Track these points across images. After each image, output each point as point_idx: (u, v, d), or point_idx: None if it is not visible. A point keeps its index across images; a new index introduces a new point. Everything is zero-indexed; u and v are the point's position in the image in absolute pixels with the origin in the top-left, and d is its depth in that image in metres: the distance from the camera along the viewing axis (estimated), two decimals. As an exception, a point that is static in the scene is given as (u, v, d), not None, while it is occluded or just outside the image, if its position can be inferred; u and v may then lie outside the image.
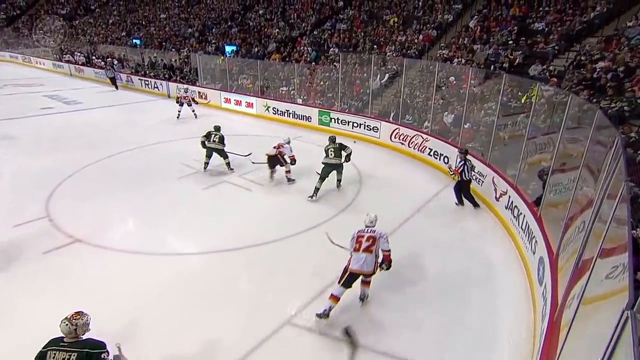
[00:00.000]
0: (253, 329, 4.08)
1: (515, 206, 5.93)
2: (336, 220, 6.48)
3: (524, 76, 9.60)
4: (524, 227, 5.51)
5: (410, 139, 9.82)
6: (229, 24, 21.52)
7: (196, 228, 6.19)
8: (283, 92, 14.52)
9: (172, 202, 6.98)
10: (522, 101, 8.47)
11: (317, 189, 7.15)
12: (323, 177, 7.20)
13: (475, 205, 6.95)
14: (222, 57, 17.49)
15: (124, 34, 26.62)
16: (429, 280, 5.05)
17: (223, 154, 8.29)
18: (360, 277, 4.28)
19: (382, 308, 4.49)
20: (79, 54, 24.31)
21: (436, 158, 9.02)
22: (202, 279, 4.95)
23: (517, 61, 10.61)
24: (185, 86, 15.74)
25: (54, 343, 2.68)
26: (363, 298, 4.52)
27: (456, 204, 7.08)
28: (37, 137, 10.58)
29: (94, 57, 22.91)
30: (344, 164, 7.44)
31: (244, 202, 7.17)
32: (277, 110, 13.42)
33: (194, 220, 6.40)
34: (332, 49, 15.54)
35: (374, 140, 10.93)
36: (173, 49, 21.24)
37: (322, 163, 7.29)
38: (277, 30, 18.86)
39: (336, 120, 11.81)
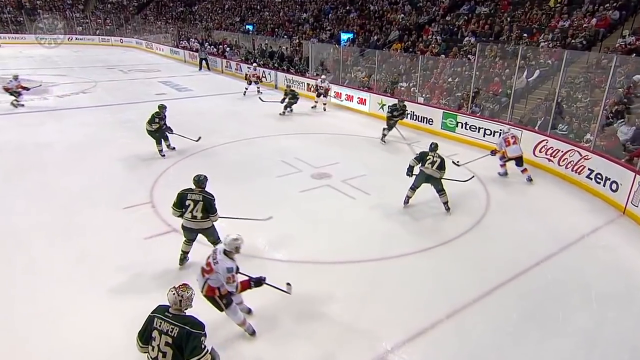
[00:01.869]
0: (340, 359, 4.15)
1: None
2: (449, 247, 6.21)
3: None
4: None
5: (563, 155, 8.87)
6: (347, 8, 22.30)
7: (288, 233, 6.52)
8: (402, 88, 14.45)
9: (268, 201, 7.49)
10: None
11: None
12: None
13: None
14: (336, 46, 18.20)
15: (237, 19, 29.64)
16: (575, 344, 4.47)
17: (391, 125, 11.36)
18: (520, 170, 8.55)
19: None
20: (194, 40, 27.88)
21: (598, 183, 7.97)
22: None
23: None
24: (254, 64, 17.91)
25: (161, 311, 3.04)
26: (530, 179, 8.55)
27: None
28: (149, 123, 12.46)
29: (206, 44, 26.04)
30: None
31: (344, 211, 7.34)
32: (393, 108, 13.39)
33: (287, 224, 6.73)
34: (467, 39, 14.95)
35: (511, 152, 10.16)
36: (285, 36, 22.89)
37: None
38: (402, 15, 18.88)
39: (463, 125, 11.31)
